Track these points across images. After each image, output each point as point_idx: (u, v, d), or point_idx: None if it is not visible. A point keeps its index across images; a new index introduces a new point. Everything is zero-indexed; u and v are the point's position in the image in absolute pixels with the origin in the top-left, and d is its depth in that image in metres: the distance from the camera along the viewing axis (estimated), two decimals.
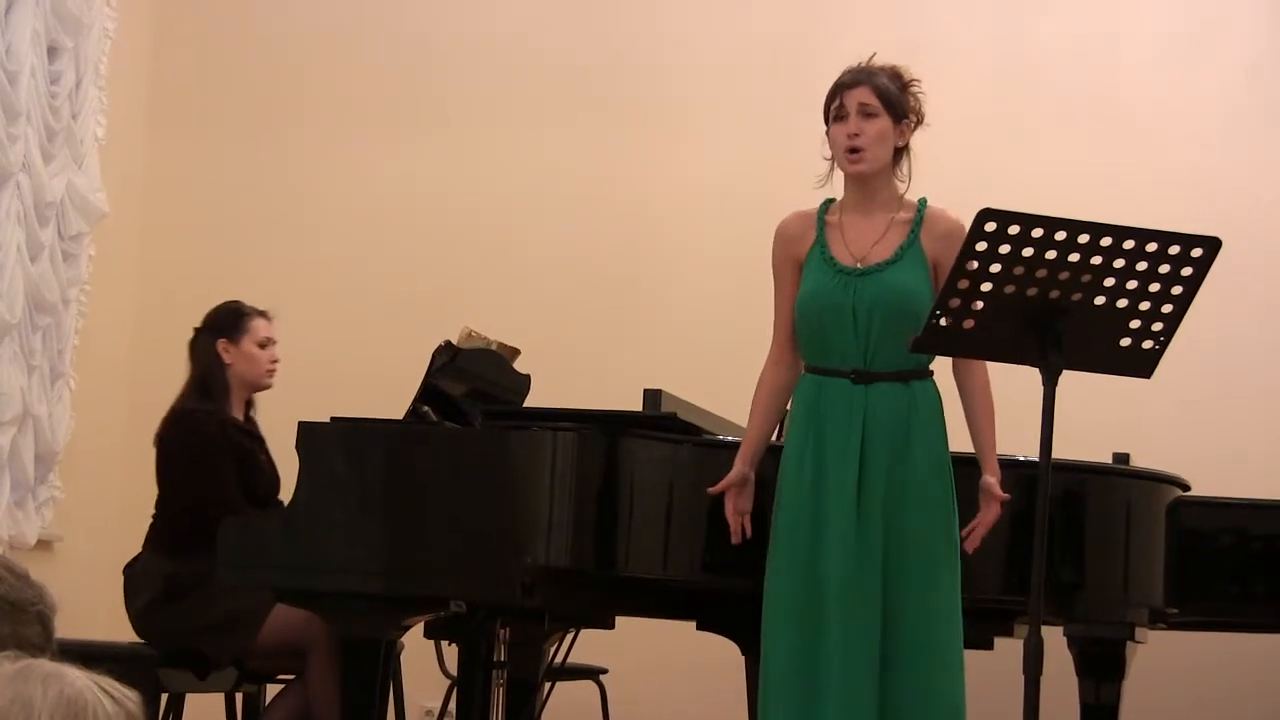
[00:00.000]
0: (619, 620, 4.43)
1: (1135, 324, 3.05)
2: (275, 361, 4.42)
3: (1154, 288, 3.01)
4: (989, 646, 4.00)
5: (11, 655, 1.54)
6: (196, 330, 4.43)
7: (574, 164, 5.91)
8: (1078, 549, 3.95)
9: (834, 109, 3.50)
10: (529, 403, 4.35)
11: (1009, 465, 3.60)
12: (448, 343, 3.97)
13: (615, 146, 5.91)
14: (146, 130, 6.01)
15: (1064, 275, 2.98)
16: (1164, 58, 5.76)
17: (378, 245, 5.96)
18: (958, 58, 5.70)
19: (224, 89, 6.09)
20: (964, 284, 3.00)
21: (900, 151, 3.51)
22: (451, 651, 4.36)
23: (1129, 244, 2.98)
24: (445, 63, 6.01)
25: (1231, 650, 5.23)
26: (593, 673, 4.94)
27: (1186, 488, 4.23)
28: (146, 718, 1.54)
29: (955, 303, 3.02)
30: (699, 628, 3.90)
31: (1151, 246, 2.99)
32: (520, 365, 4.34)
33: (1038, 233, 2.95)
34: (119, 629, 4.27)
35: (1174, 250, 2.99)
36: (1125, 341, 3.08)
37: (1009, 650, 3.68)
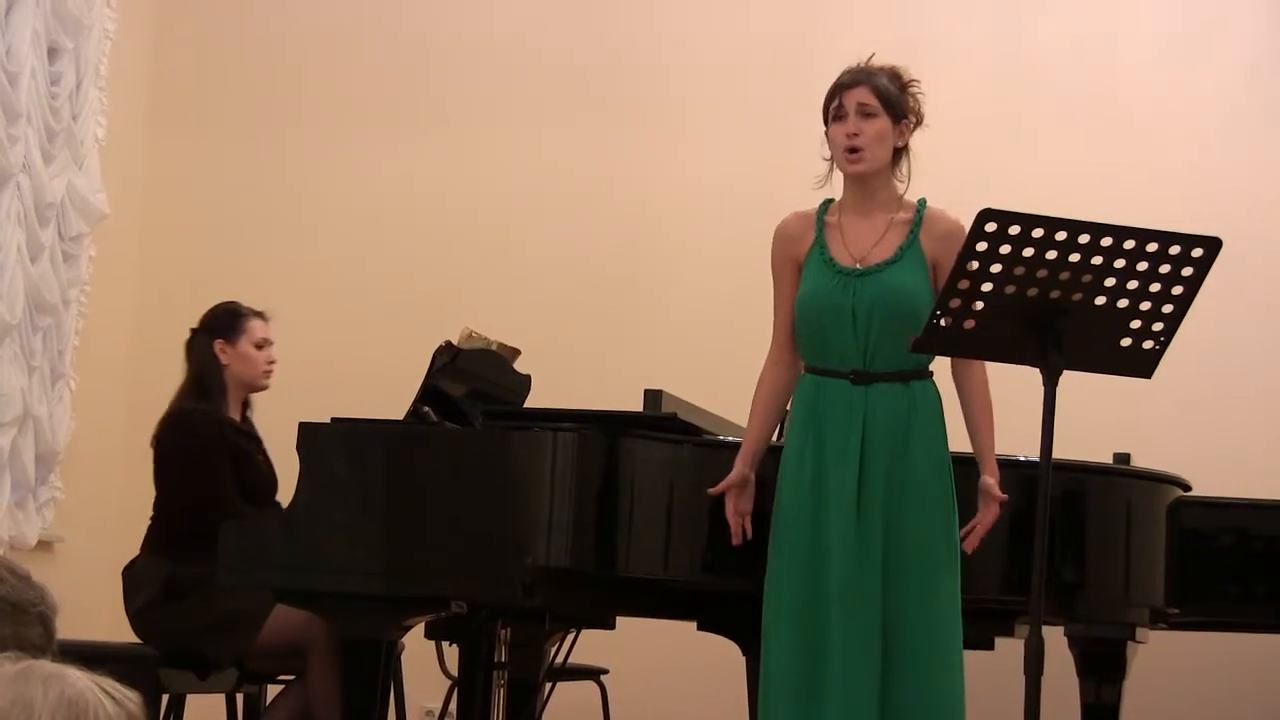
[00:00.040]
0: (620, 621, 4.43)
1: (1136, 324, 3.06)
2: (272, 362, 4.42)
3: (1154, 288, 3.01)
4: (990, 646, 4.00)
5: (13, 656, 1.54)
6: (193, 331, 4.43)
7: (573, 164, 5.91)
8: (1078, 549, 3.95)
9: (833, 109, 3.50)
10: (529, 403, 4.35)
11: (1009, 465, 3.61)
12: (448, 343, 3.97)
13: (615, 146, 5.91)
14: (146, 131, 6.02)
15: (1064, 275, 2.98)
16: (1164, 58, 5.76)
17: (377, 245, 5.96)
18: (957, 58, 5.70)
19: (224, 90, 6.09)
20: (964, 284, 3.00)
21: (899, 152, 3.52)
22: (452, 652, 4.36)
23: (1129, 244, 2.98)
24: (444, 63, 6.01)
25: (1232, 650, 5.24)
26: (593, 673, 4.94)
27: (1187, 488, 4.23)
28: (147, 718, 1.54)
29: (956, 303, 3.02)
30: (699, 628, 3.90)
31: (1152, 247, 2.99)
32: (520, 365, 4.34)
33: (1038, 233, 2.96)
34: (120, 630, 4.27)
35: (1174, 250, 2.99)
36: (1126, 341, 3.08)
37: (1010, 650, 3.68)
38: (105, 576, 4.34)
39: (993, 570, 3.74)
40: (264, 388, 4.43)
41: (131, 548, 4.31)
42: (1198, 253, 3.00)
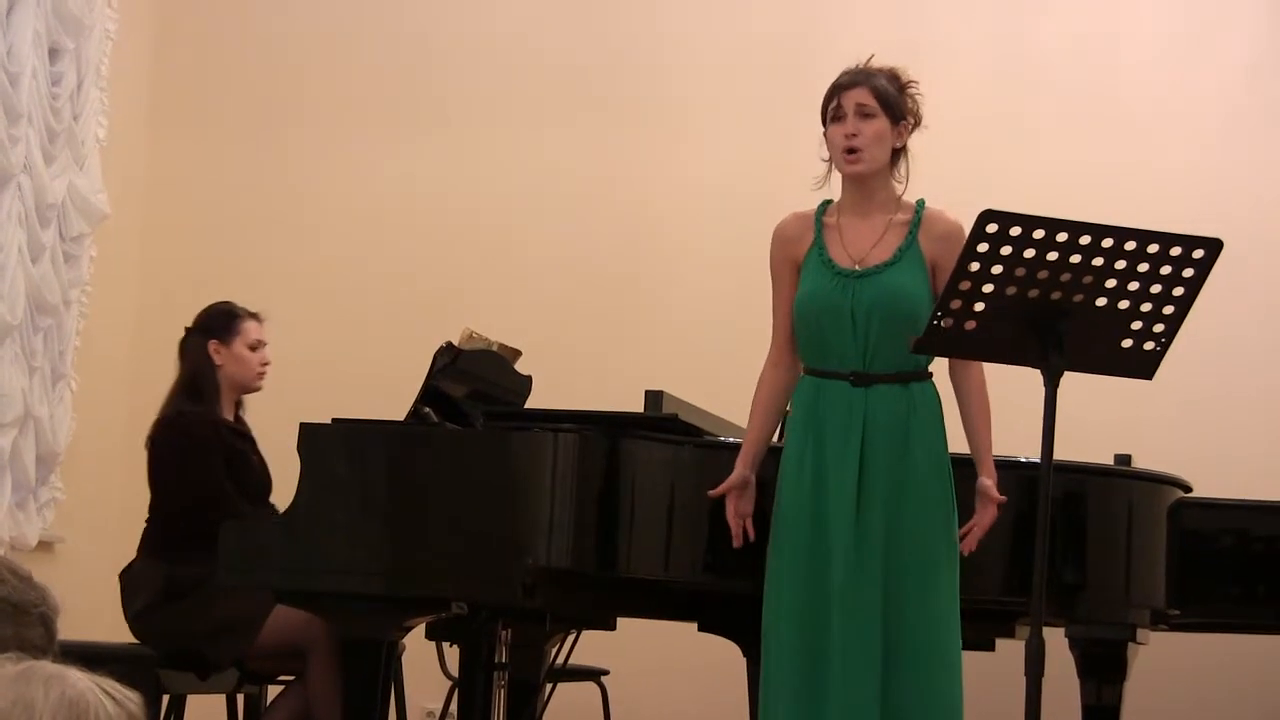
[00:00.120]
0: (620, 621, 4.43)
1: (1137, 325, 3.06)
2: (266, 364, 4.40)
3: (1155, 289, 3.02)
4: (990, 647, 4.01)
5: (14, 657, 1.54)
6: (187, 330, 4.42)
7: (574, 164, 5.91)
8: (1079, 550, 3.95)
9: (831, 109, 3.50)
10: (530, 404, 4.35)
11: (1010, 466, 3.61)
12: (449, 344, 3.97)
13: (615, 146, 5.91)
14: (147, 131, 6.02)
15: (1065, 277, 2.98)
16: (1164, 58, 5.76)
17: (378, 245, 5.97)
18: (958, 58, 5.71)
19: (225, 90, 6.09)
20: (965, 285, 3.00)
21: (898, 153, 3.52)
22: (453, 653, 4.36)
23: (1130, 245, 2.98)
24: (445, 63, 6.02)
25: (1233, 651, 5.23)
26: (594, 674, 4.94)
27: (1188, 489, 4.23)
28: (148, 719, 1.54)
29: (956, 304, 3.02)
30: (700, 629, 3.90)
31: (1153, 248, 2.99)
32: (521, 365, 4.34)
33: (1039, 234, 2.96)
34: (120, 630, 4.27)
35: (1175, 252, 2.99)
36: (1127, 343, 3.08)
37: (1010, 651, 3.68)
38: (106, 577, 4.33)
39: (993, 571, 3.75)
40: (257, 389, 4.42)
41: (132, 548, 4.31)
42: (1198, 254, 3.00)
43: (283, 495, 3.85)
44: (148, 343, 5.78)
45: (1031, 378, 3.06)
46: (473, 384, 4.12)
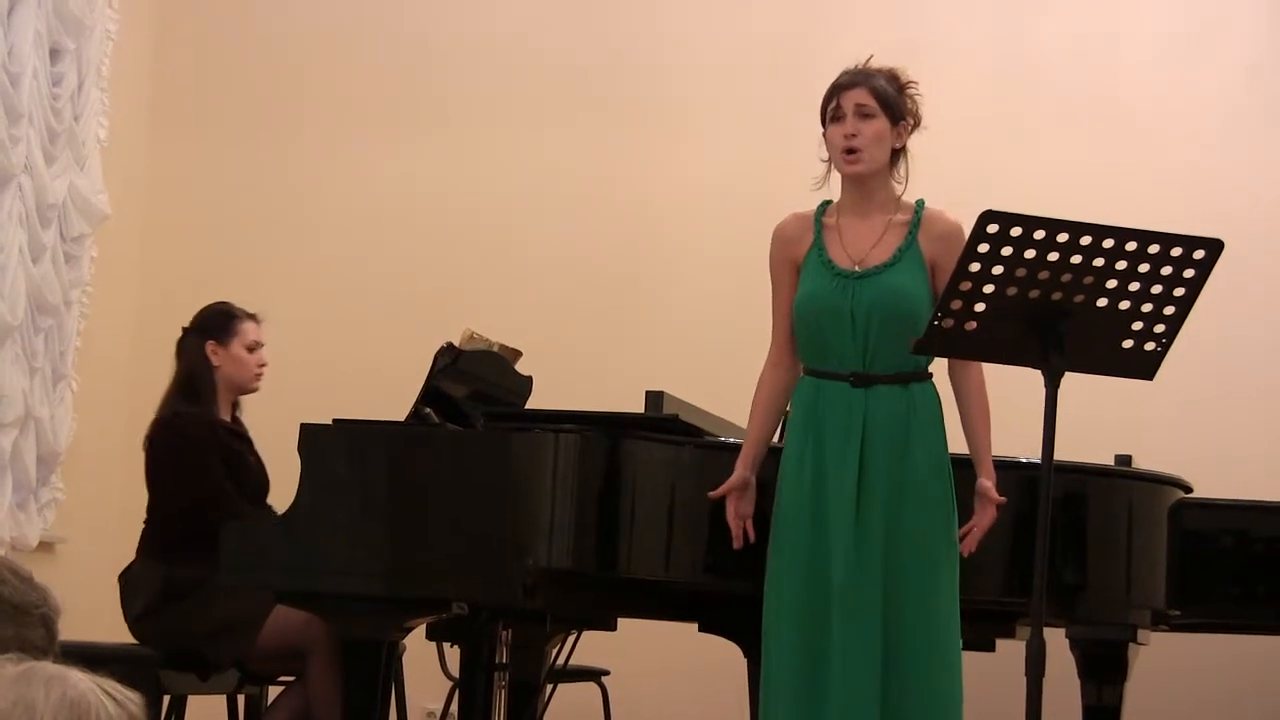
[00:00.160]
0: (621, 622, 4.43)
1: (1137, 326, 3.06)
2: (263, 365, 4.40)
3: (1156, 290, 3.01)
4: (991, 648, 4.01)
5: (14, 658, 1.54)
6: (185, 330, 4.41)
7: (574, 164, 5.92)
8: (1080, 551, 3.95)
9: (831, 110, 3.50)
10: (531, 404, 4.35)
11: (1011, 467, 3.61)
12: (450, 344, 3.97)
13: (615, 146, 5.91)
14: (148, 132, 6.02)
15: (1066, 277, 2.98)
16: (1164, 58, 5.76)
17: (378, 246, 5.97)
18: (958, 58, 5.71)
19: (225, 90, 6.09)
20: (966, 285, 3.00)
21: (897, 153, 3.52)
22: (453, 653, 4.36)
23: (1131, 246, 2.98)
24: (445, 63, 6.02)
25: (1233, 652, 5.23)
26: (594, 674, 4.94)
27: (1188, 489, 4.23)
28: (148, 719, 1.54)
29: (957, 304, 3.02)
30: (701, 630, 3.90)
31: (1154, 248, 2.99)
32: (521, 366, 4.34)
33: (1040, 234, 2.96)
34: (121, 631, 4.27)
35: (1176, 252, 2.99)
36: (1127, 343, 3.08)
37: (1011, 652, 3.68)
38: (107, 577, 4.33)
39: (994, 572, 3.75)
40: (254, 390, 4.42)
41: (134, 549, 4.30)
42: (1199, 254, 2.99)
43: (283, 495, 3.85)
44: (148, 343, 5.78)
45: (1031, 378, 3.06)
46: (473, 384, 4.12)
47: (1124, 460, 4.40)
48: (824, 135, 3.51)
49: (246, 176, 6.03)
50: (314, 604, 3.77)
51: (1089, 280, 2.99)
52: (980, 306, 3.02)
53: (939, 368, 3.47)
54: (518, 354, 4.31)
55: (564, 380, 4.71)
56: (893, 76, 3.52)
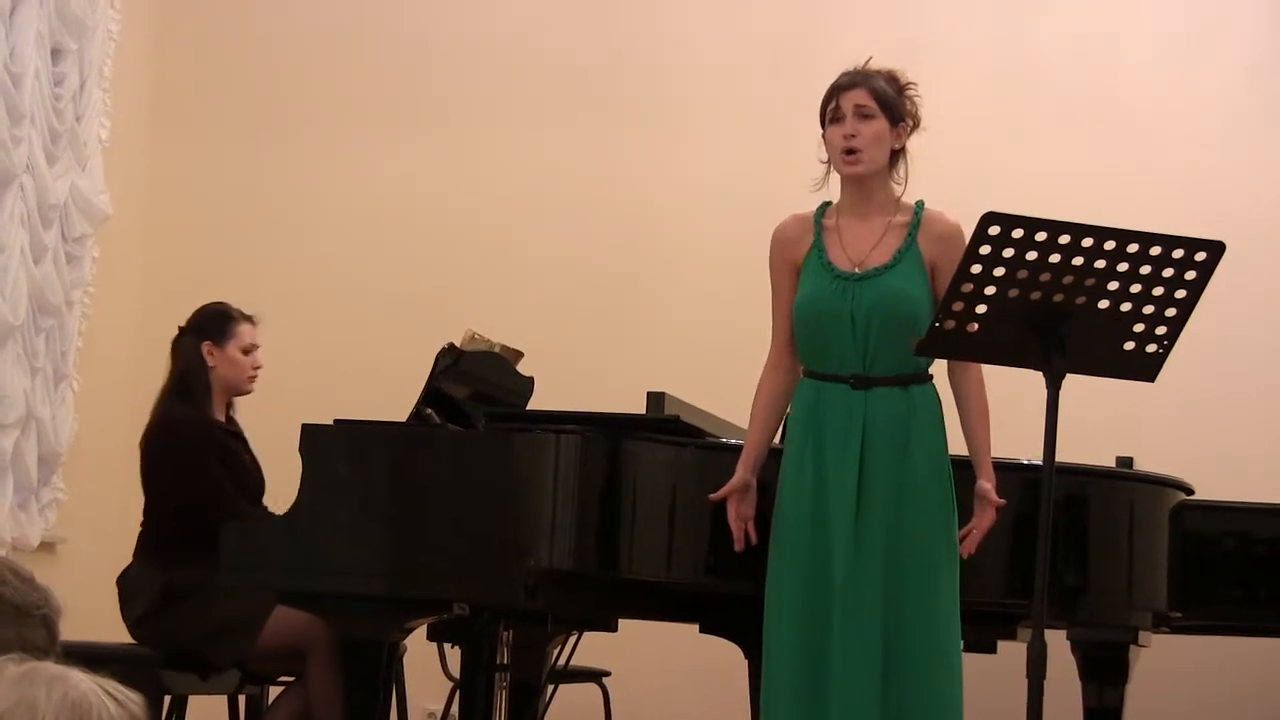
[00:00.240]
0: (622, 623, 4.43)
1: (1139, 327, 3.05)
2: (258, 368, 4.39)
3: (1158, 291, 3.01)
4: (992, 650, 4.01)
5: (16, 658, 1.54)
6: (181, 330, 4.40)
7: (574, 164, 5.92)
8: (1081, 552, 3.95)
9: (830, 111, 3.50)
10: (532, 405, 4.35)
11: (1012, 469, 3.61)
12: (451, 345, 3.97)
13: (615, 146, 5.91)
14: (150, 132, 6.02)
15: (1068, 279, 2.98)
16: (1164, 58, 5.76)
17: (379, 246, 5.97)
18: (958, 58, 5.71)
19: (226, 91, 6.09)
20: (967, 287, 3.00)
21: (897, 154, 3.51)
22: (454, 654, 4.36)
23: (1133, 248, 2.98)
24: (445, 63, 6.02)
25: (1234, 654, 5.23)
26: (595, 675, 4.94)
27: (1190, 491, 4.23)
28: None
29: (959, 306, 3.02)
30: (702, 630, 3.90)
31: (1155, 250, 2.99)
32: (522, 366, 4.34)
33: (1041, 236, 2.95)
34: (122, 631, 4.27)
35: (1178, 254, 2.99)
36: (1129, 345, 3.08)
37: (1012, 653, 3.68)
38: (108, 578, 4.33)
39: (995, 573, 3.75)
40: (248, 392, 4.41)
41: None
42: (1201, 256, 2.99)
43: (284, 496, 3.85)
44: (150, 343, 5.77)
45: (1032, 380, 3.06)
46: (475, 385, 4.12)
47: (1125, 462, 4.40)
48: (823, 136, 3.51)
49: (247, 177, 6.04)
50: (314, 604, 3.77)
51: (1090, 282, 2.99)
52: (982, 308, 3.02)
53: (939, 369, 3.47)
54: (519, 355, 4.31)
55: (565, 381, 4.72)
56: (892, 78, 3.52)
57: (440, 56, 6.02)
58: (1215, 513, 4.26)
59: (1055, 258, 2.96)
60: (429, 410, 3.84)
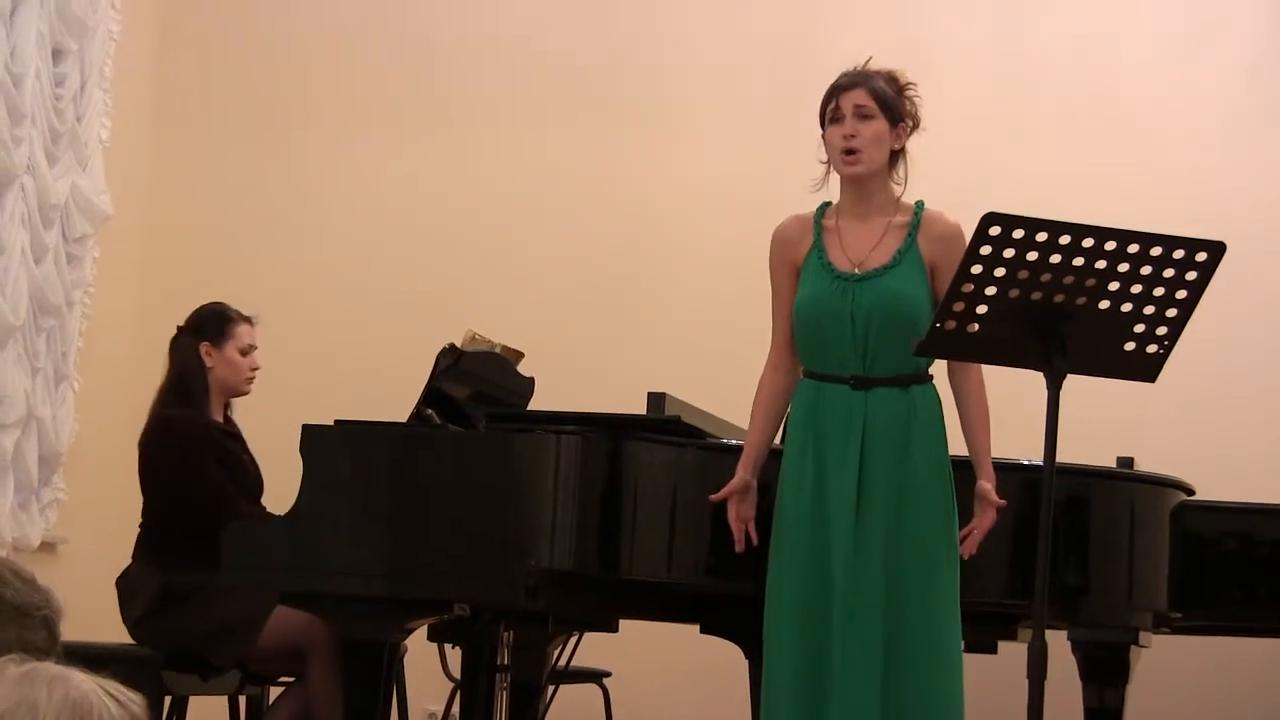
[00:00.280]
0: (622, 623, 4.44)
1: (1140, 328, 3.05)
2: (255, 369, 4.38)
3: (1158, 292, 3.01)
4: (992, 650, 4.01)
5: (17, 659, 1.54)
6: (179, 329, 4.40)
7: (574, 164, 5.92)
8: (1082, 553, 3.95)
9: (830, 111, 3.50)
10: (532, 405, 4.35)
11: (1013, 469, 3.61)
12: (452, 346, 3.97)
13: (615, 147, 5.91)
14: (150, 132, 6.02)
15: (1068, 279, 2.98)
16: (1164, 58, 5.76)
17: (380, 246, 5.97)
18: (958, 58, 5.71)
19: (227, 91, 6.09)
20: (968, 288, 3.00)
21: (896, 155, 3.51)
22: (455, 654, 4.37)
23: (1133, 248, 2.98)
24: (447, 64, 6.02)
25: (1235, 654, 5.23)
26: (596, 676, 4.94)
27: (1191, 492, 4.23)
28: None
29: (959, 306, 3.02)
30: (703, 631, 3.90)
31: (1156, 251, 2.99)
32: (522, 367, 4.34)
33: (1042, 237, 2.95)
34: (123, 632, 4.27)
35: (1178, 254, 2.99)
36: (1129, 346, 3.07)
37: (1012, 654, 3.68)
38: (109, 578, 4.33)
39: (996, 574, 3.75)
40: (245, 393, 4.40)
41: None
42: (1201, 257, 2.99)
43: (284, 496, 3.85)
44: (150, 343, 5.76)
45: (1032, 380, 3.06)
46: (475, 386, 4.12)
47: (1126, 462, 4.40)
48: (823, 136, 3.51)
49: (248, 177, 6.04)
50: (315, 605, 3.77)
51: (1091, 283, 2.99)
52: (982, 309, 3.02)
53: (939, 370, 3.47)
54: (519, 355, 4.31)
55: (565, 381, 4.72)
56: (892, 78, 3.52)
57: (441, 57, 6.03)
58: (1216, 513, 4.26)
59: (1056, 258, 2.96)
60: (430, 411, 3.84)
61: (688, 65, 5.93)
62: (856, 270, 3.45)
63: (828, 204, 3.55)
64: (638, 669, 5.21)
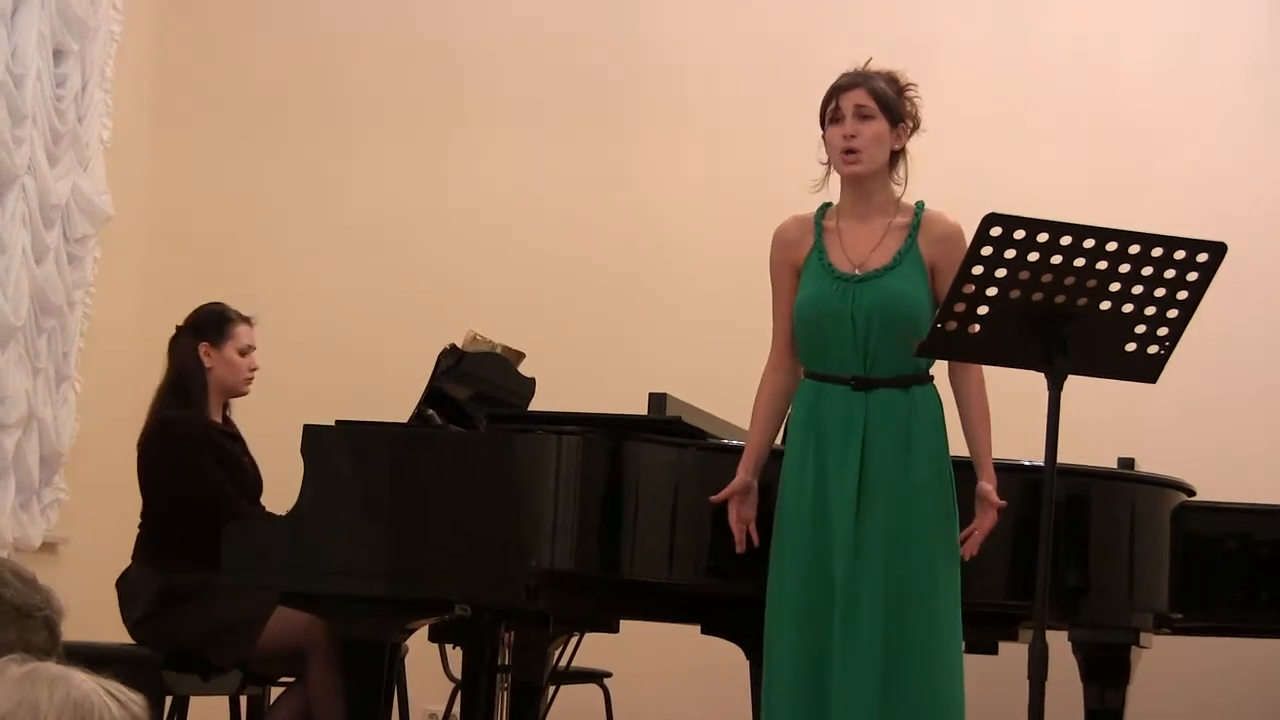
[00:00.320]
0: (623, 624, 4.44)
1: (1141, 329, 3.05)
2: (254, 369, 4.38)
3: (1159, 293, 3.01)
4: (993, 651, 4.01)
5: (18, 659, 1.54)
6: (178, 329, 4.40)
7: (575, 165, 5.92)
8: (1082, 554, 3.95)
9: (830, 111, 3.50)
10: (533, 406, 4.35)
11: (1014, 470, 3.61)
12: (453, 346, 3.97)
13: (616, 147, 5.92)
14: (151, 133, 6.02)
15: (1069, 280, 2.98)
16: (1164, 58, 5.77)
17: (380, 246, 5.97)
18: (958, 58, 5.71)
19: (228, 92, 6.09)
20: (969, 288, 3.00)
21: (896, 155, 3.51)
22: (456, 655, 4.36)
23: (1134, 249, 2.98)
24: (448, 66, 6.02)
25: (1236, 655, 5.23)
26: (597, 676, 4.94)
27: (1191, 492, 4.23)
28: None
29: (960, 307, 3.02)
30: (703, 632, 3.90)
31: (1157, 251, 2.99)
32: (523, 367, 4.34)
33: (1043, 237, 2.95)
34: (124, 632, 4.27)
35: (1179, 255, 2.99)
36: (1130, 346, 3.07)
37: (1013, 655, 3.68)
38: (110, 578, 4.33)
39: (997, 575, 3.75)
40: (244, 394, 4.40)
41: None
42: (1203, 258, 2.99)
43: (284, 496, 3.85)
44: (151, 343, 5.75)
45: (1032, 381, 3.06)
46: (476, 386, 4.12)
47: (1127, 463, 4.40)
48: (823, 137, 3.51)
49: (249, 177, 6.04)
50: (316, 605, 3.77)
51: (1092, 283, 2.99)
52: (983, 309, 3.02)
53: (939, 370, 3.47)
54: (520, 355, 4.31)
55: (566, 382, 4.72)
56: (892, 79, 3.52)
57: (443, 60, 6.03)
58: (1216, 514, 4.26)
59: (1057, 259, 2.96)
60: (431, 411, 3.84)
61: (689, 66, 5.93)
62: (857, 271, 3.45)
63: (828, 205, 3.55)
64: (639, 669, 5.21)
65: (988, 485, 3.42)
